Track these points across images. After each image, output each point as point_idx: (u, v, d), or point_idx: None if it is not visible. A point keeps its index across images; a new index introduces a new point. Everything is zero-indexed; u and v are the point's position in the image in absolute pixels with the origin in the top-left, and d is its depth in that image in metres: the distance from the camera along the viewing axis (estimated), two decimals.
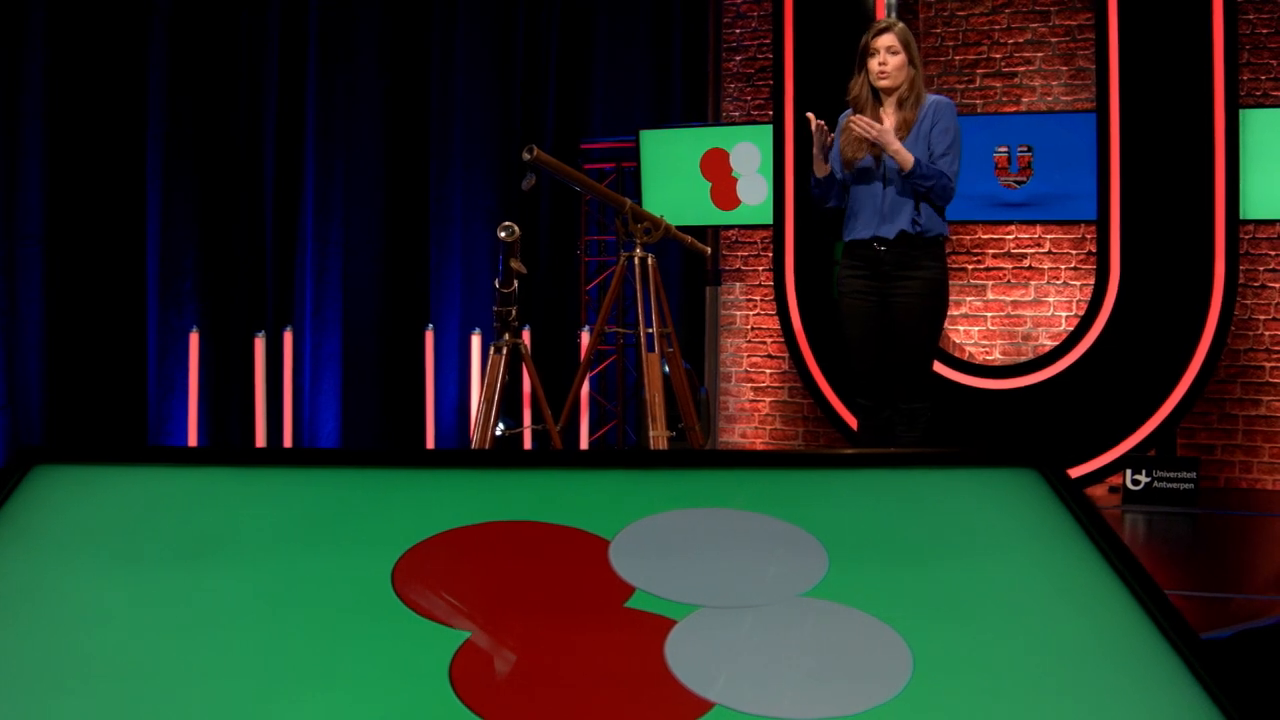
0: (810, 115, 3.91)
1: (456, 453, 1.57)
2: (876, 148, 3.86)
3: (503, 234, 4.09)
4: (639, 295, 4.44)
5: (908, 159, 3.81)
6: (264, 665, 1.22)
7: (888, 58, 3.87)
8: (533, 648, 1.23)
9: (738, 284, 6.81)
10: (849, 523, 1.41)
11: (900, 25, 3.94)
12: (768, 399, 6.75)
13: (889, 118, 3.94)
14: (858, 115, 3.84)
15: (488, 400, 4.25)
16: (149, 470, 1.52)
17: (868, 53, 3.91)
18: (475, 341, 6.01)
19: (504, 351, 4.27)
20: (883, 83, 3.89)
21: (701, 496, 1.46)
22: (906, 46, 3.88)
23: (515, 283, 4.22)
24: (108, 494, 1.48)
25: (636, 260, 4.49)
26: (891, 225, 3.89)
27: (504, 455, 1.54)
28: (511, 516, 1.43)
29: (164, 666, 1.22)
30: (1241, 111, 5.37)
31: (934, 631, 1.23)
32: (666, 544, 1.39)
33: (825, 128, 3.88)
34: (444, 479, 1.50)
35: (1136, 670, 1.17)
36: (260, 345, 5.86)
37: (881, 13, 5.59)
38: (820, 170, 3.95)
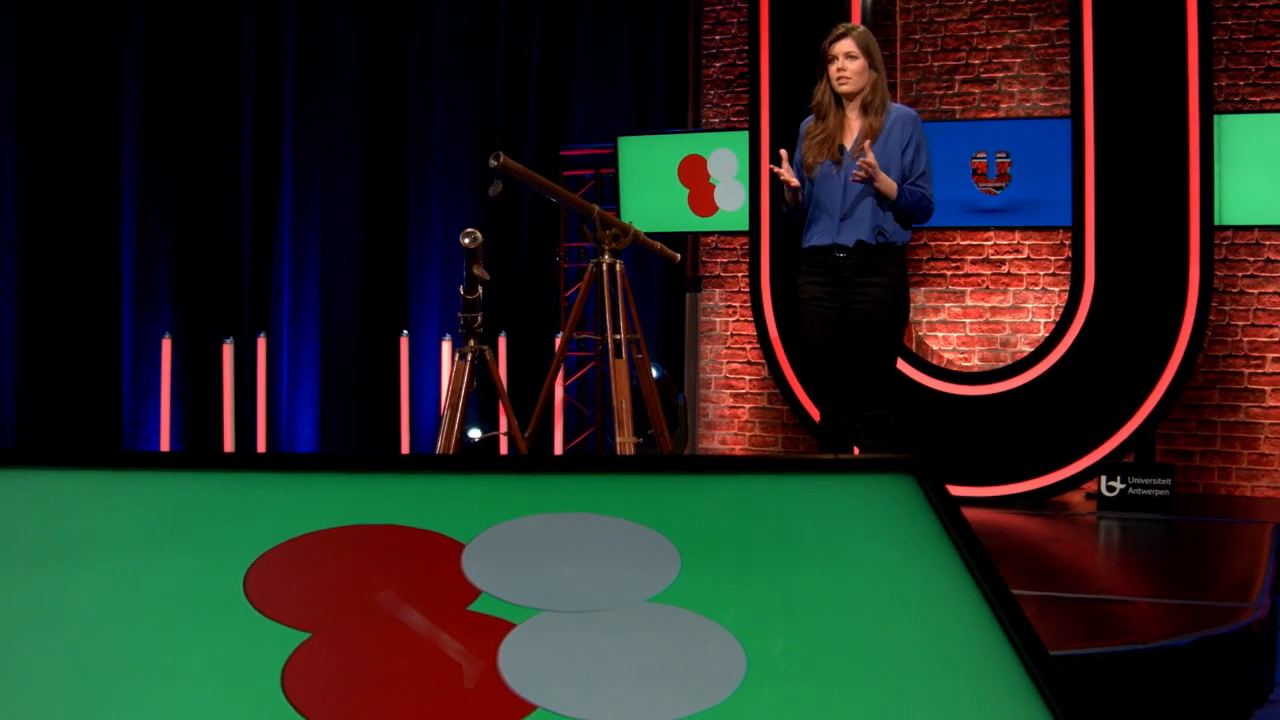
0: (783, 153, 3.88)
1: (325, 457, 1.57)
2: (836, 153, 3.85)
3: (466, 240, 4.09)
4: (606, 302, 4.43)
5: (892, 188, 3.81)
6: (101, 664, 1.23)
7: (846, 63, 3.85)
8: (368, 649, 1.24)
9: (717, 290, 6.80)
10: (709, 529, 1.40)
11: (860, 30, 3.91)
12: (747, 405, 6.74)
13: (853, 124, 3.93)
14: (867, 161, 3.78)
15: (451, 407, 4.24)
16: (19, 473, 1.52)
17: (827, 58, 3.89)
18: (446, 348, 6.01)
19: (469, 358, 4.26)
20: (843, 88, 3.88)
21: (565, 501, 1.46)
22: (866, 51, 3.87)
23: (480, 289, 4.21)
24: None
25: (605, 267, 4.48)
26: (851, 233, 3.87)
27: (371, 459, 1.53)
28: (373, 520, 1.43)
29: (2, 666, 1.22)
30: (1220, 117, 5.36)
31: (775, 637, 1.22)
32: (520, 548, 1.39)
33: (788, 178, 3.84)
34: (311, 482, 1.50)
35: (976, 680, 1.15)
36: (229, 351, 5.85)
37: (856, 18, 5.58)
38: (791, 200, 3.94)
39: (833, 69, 3.88)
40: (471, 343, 4.28)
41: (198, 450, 6.51)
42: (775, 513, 1.43)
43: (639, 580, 1.32)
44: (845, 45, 3.86)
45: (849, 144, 3.90)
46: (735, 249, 6.72)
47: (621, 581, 1.32)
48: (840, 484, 1.49)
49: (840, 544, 1.38)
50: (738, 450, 6.71)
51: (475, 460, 1.58)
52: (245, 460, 1.53)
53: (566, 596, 1.30)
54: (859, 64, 3.86)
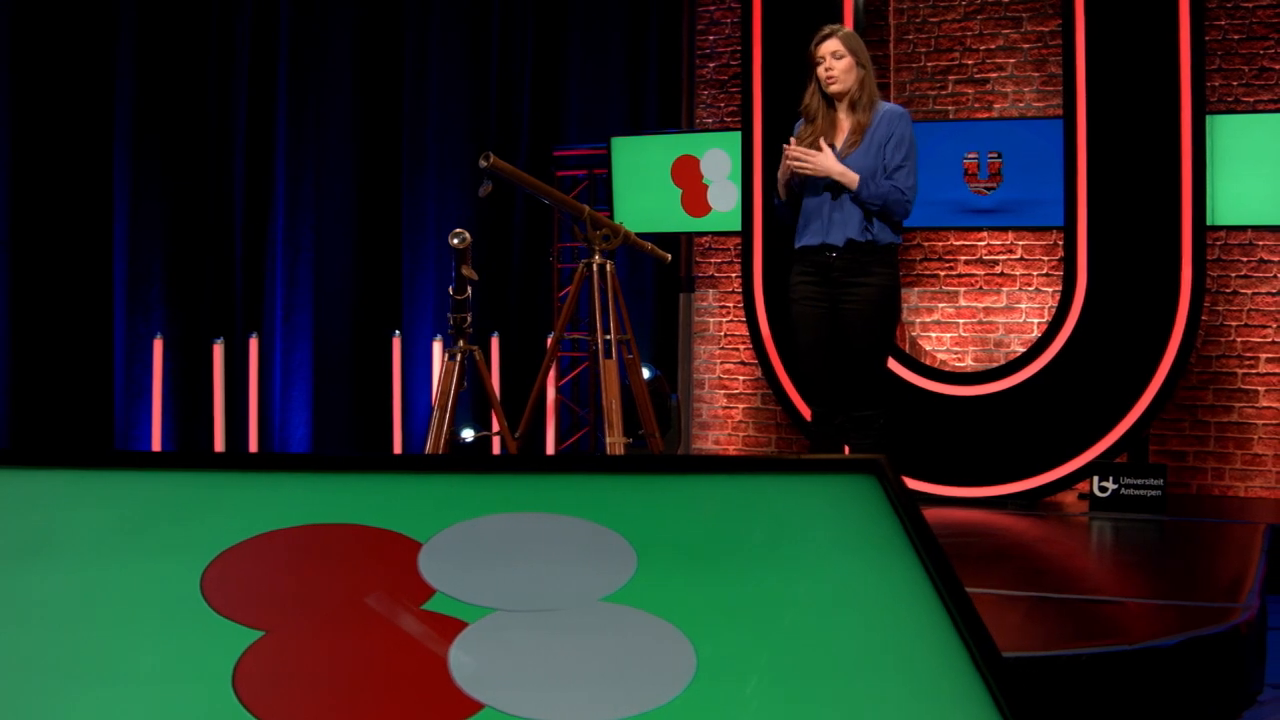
0: (789, 143, 3.93)
1: (286, 456, 1.56)
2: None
3: (454, 241, 4.09)
4: (596, 302, 4.43)
5: (853, 180, 3.81)
6: (54, 662, 1.24)
7: (833, 62, 3.88)
8: (320, 648, 1.24)
9: (711, 291, 6.80)
10: (668, 528, 1.40)
11: (844, 30, 3.94)
12: (741, 406, 6.74)
13: (843, 123, 3.95)
14: (794, 149, 3.85)
15: (441, 407, 4.24)
16: None
17: (814, 60, 3.92)
18: (437, 348, 6.01)
19: (458, 358, 4.26)
20: (832, 87, 3.90)
21: (524, 501, 1.46)
22: (852, 50, 3.90)
23: (469, 289, 4.21)
24: None
25: (595, 267, 4.48)
26: (840, 232, 3.88)
27: (331, 459, 1.53)
28: (332, 519, 1.43)
29: None
30: (1213, 118, 5.35)
31: (727, 637, 1.22)
32: (477, 548, 1.39)
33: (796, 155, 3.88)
34: (272, 482, 1.50)
35: (927, 679, 1.15)
36: (219, 352, 5.84)
37: (849, 19, 5.58)
38: (784, 193, 3.98)
39: (820, 69, 3.91)
40: (461, 343, 4.28)
41: (185, 450, 6.50)
42: (734, 513, 1.43)
43: (594, 580, 1.32)
44: (831, 45, 3.89)
45: (839, 143, 3.91)
46: (729, 249, 6.72)
47: (576, 581, 1.32)
48: (801, 484, 1.48)
49: (798, 544, 1.38)
50: (731, 450, 6.71)
51: (435, 460, 1.58)
52: (206, 459, 1.53)
53: (520, 596, 1.30)
54: (846, 62, 3.88)
